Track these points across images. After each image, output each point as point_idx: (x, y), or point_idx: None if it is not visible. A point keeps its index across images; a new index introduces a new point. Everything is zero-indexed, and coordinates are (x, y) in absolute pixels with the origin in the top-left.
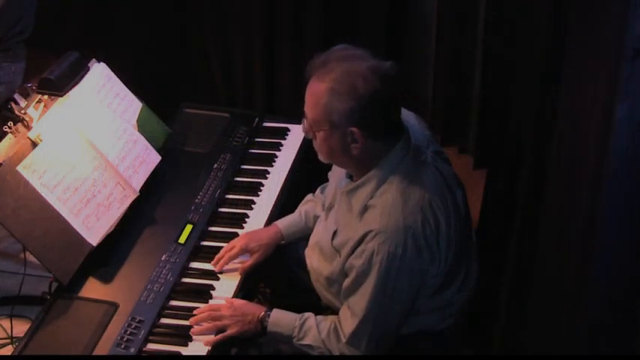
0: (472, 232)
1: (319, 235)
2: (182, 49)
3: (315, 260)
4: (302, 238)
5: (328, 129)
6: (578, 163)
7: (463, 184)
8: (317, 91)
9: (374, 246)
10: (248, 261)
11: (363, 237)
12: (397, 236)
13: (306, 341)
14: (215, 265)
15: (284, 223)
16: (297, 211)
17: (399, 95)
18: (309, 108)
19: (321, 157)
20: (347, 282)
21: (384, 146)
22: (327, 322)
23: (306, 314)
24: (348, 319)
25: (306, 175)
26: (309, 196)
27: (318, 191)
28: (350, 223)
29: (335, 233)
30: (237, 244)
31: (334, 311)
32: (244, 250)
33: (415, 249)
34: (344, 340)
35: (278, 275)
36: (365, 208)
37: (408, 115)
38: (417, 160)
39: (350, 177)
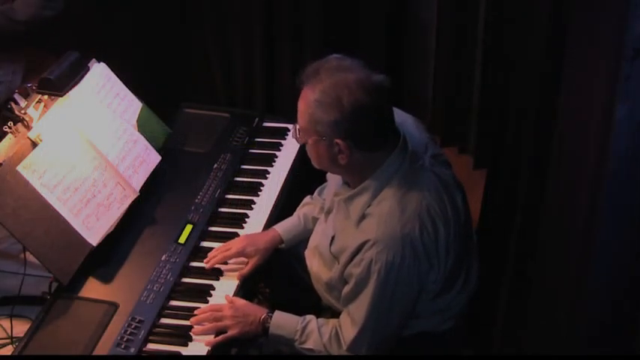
0: (472, 232)
1: (318, 238)
2: (182, 49)
3: (315, 264)
4: (302, 240)
5: (315, 138)
6: (578, 163)
7: (463, 186)
8: (306, 101)
9: (372, 255)
10: (246, 267)
11: (361, 246)
12: (395, 245)
13: (307, 345)
14: (207, 262)
15: (283, 227)
16: (295, 215)
17: (389, 108)
18: (299, 116)
19: (313, 163)
20: (346, 290)
21: (375, 156)
22: (328, 325)
23: (308, 317)
24: (349, 326)
25: (306, 175)
26: (307, 199)
27: (315, 193)
28: (347, 230)
29: (333, 239)
30: (233, 246)
31: (334, 312)
32: (240, 254)
33: (413, 257)
34: (345, 347)
35: (278, 274)
36: (362, 217)
37: (405, 120)
38: (414, 167)
39: (346, 182)
